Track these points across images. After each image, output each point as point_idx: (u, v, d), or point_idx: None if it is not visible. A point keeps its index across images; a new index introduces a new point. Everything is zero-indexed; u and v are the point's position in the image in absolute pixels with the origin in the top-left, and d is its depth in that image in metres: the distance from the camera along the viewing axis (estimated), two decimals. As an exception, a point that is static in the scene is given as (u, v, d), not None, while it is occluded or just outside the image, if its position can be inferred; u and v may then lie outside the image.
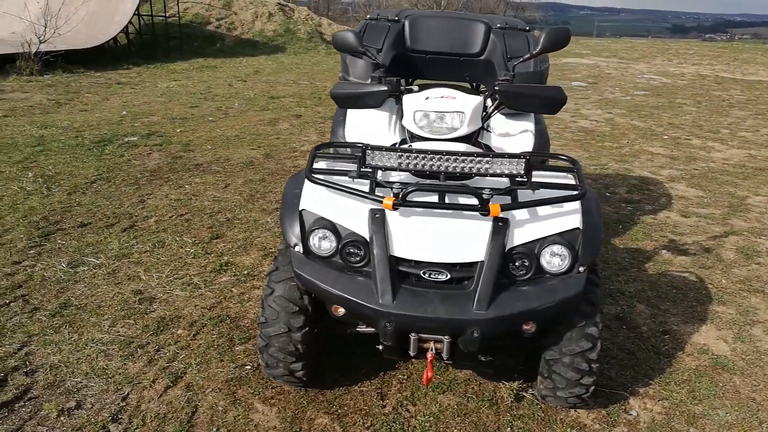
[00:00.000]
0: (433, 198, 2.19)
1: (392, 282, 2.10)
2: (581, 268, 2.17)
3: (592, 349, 2.29)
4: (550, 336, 2.33)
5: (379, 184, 2.23)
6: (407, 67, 3.79)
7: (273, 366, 2.45)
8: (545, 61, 3.53)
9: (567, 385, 2.35)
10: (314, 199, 2.31)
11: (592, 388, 2.38)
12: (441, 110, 2.40)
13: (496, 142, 3.42)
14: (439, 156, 2.15)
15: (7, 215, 4.34)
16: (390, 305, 2.07)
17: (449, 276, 2.13)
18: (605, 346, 3.03)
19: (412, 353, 2.17)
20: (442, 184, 2.17)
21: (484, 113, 2.60)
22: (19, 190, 4.82)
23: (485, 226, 2.15)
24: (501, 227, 2.14)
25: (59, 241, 3.97)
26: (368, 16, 3.86)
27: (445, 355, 2.15)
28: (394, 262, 2.15)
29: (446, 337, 2.12)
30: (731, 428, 2.52)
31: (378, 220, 2.17)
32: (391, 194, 2.13)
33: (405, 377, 2.76)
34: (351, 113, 3.53)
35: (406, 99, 2.49)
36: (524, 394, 2.64)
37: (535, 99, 2.51)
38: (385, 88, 2.62)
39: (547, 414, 2.55)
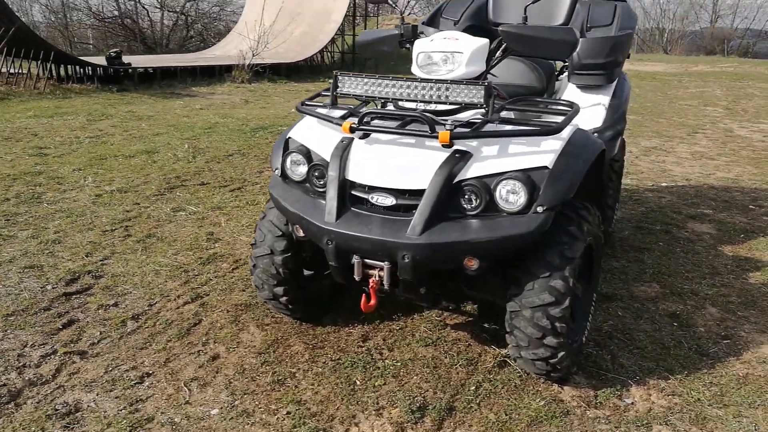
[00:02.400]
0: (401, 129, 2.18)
1: (339, 203, 2.14)
2: (539, 209, 1.98)
3: (554, 304, 2.05)
4: (513, 286, 2.14)
5: (353, 114, 2.29)
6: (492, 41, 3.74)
7: (260, 288, 2.61)
8: (627, 27, 3.24)
9: (529, 344, 2.13)
10: (301, 129, 2.45)
11: (561, 353, 2.12)
12: (439, 50, 2.37)
13: None
14: (401, 83, 2.15)
15: (152, 172, 5.17)
16: (332, 223, 2.11)
17: (395, 201, 2.09)
18: (635, 336, 2.65)
19: (356, 278, 2.17)
20: (398, 111, 2.16)
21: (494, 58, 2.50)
22: (172, 156, 5.70)
23: (441, 156, 2.08)
24: (455, 158, 2.05)
25: (177, 193, 4.62)
26: (454, -11, 3.89)
27: (385, 283, 2.11)
28: (349, 186, 2.18)
29: (385, 262, 2.08)
30: (748, 439, 2.04)
31: (342, 146, 2.23)
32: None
33: (397, 329, 2.72)
34: None
35: (416, 43, 2.50)
36: (510, 362, 2.43)
37: (542, 42, 2.36)
38: (397, 32, 2.68)
39: (525, 383, 2.32)
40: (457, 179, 2.03)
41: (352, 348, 2.56)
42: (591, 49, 3.05)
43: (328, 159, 2.26)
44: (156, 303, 2.95)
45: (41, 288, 3.07)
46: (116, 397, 2.27)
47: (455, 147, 2.07)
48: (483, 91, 2.03)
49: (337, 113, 2.32)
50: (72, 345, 2.59)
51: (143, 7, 20.58)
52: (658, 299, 3.02)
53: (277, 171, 2.42)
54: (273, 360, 2.48)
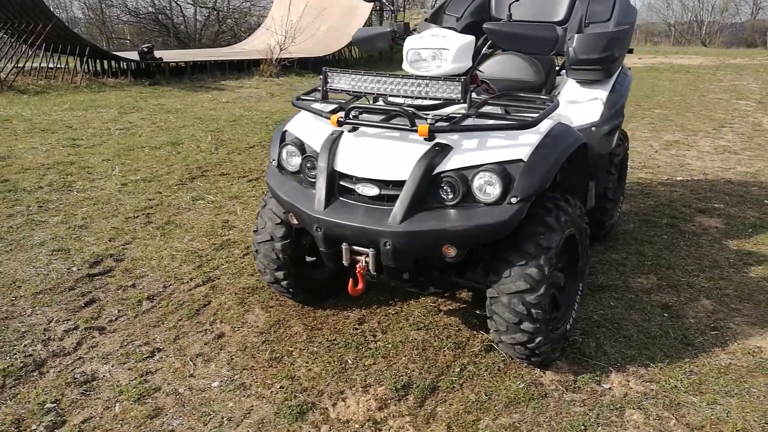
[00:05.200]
0: (385, 122, 2.31)
1: (328, 192, 2.28)
2: (513, 200, 2.08)
3: (530, 291, 2.16)
4: (492, 274, 2.25)
5: (342, 108, 2.42)
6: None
7: (263, 272, 2.78)
8: (624, 23, 3.30)
9: (507, 329, 2.25)
10: (296, 122, 2.60)
11: (538, 338, 2.23)
12: (426, 47, 2.50)
13: (561, 108, 3.31)
14: (385, 80, 2.28)
15: (176, 163, 5.40)
16: (321, 212, 2.26)
17: (379, 192, 2.22)
18: (623, 326, 2.73)
19: (345, 263, 2.31)
20: (381, 106, 2.29)
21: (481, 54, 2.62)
22: (195, 148, 5.93)
23: (422, 149, 2.19)
24: (434, 151, 2.17)
25: (198, 183, 4.84)
26: (457, -14, 3.98)
27: (371, 268, 2.25)
28: (337, 176, 2.32)
29: (370, 249, 2.22)
30: (718, 423, 2.12)
31: (331, 138, 2.36)
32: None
33: (393, 313, 2.86)
34: None
35: (407, 40, 2.63)
36: (495, 347, 2.55)
37: (523, 38, 2.47)
38: (388, 29, 2.81)
39: (508, 367, 2.44)
40: (436, 171, 2.15)
41: (348, 330, 2.71)
42: (587, 45, 3.12)
43: (319, 151, 2.40)
44: (170, 285, 3.15)
45: (67, 269, 3.30)
46: (129, 369, 2.46)
47: (436, 140, 2.19)
48: (460, 87, 2.14)
49: (329, 107, 2.45)
50: (92, 321, 2.80)
51: (177, 4, 21.03)
52: (652, 290, 3.08)
53: (274, 162, 2.58)
54: (273, 339, 2.65)
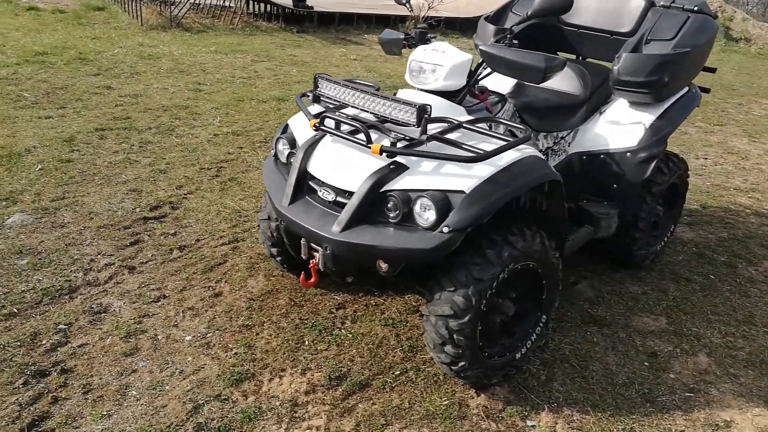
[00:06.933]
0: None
1: (296, 189, 2.46)
2: (445, 229, 2.11)
3: (453, 317, 2.20)
4: (428, 293, 2.32)
5: (326, 112, 2.56)
6: (557, 41, 3.64)
7: (263, 244, 3.06)
8: (686, 45, 3.01)
9: (434, 347, 2.32)
10: (298, 118, 2.78)
11: (462, 363, 2.29)
12: (423, 61, 2.55)
13: (600, 127, 3.19)
14: (361, 95, 2.38)
15: (272, 119, 5.84)
16: (285, 207, 2.45)
17: (335, 198, 2.36)
18: (590, 366, 2.65)
19: (303, 256, 2.50)
20: (353, 118, 2.38)
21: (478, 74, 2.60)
22: (297, 106, 6.33)
23: (377, 165, 2.28)
24: (389, 168, 2.25)
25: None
26: (528, -15, 3.82)
27: (321, 266, 2.42)
28: (308, 176, 2.48)
29: (321, 248, 2.38)
30: (618, 490, 2.05)
31: (311, 139, 2.53)
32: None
33: (373, 304, 3.01)
34: None
35: (413, 51, 2.68)
36: (447, 358, 2.62)
37: (511, 65, 2.43)
38: (401, 36, 2.87)
39: (445, 380, 2.51)
40: (384, 188, 2.23)
41: (324, 312, 2.92)
42: (632, 66, 2.91)
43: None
44: (203, 239, 3.57)
45: (132, 209, 3.85)
46: (134, 309, 2.91)
47: (395, 159, 2.26)
48: (416, 113, 2.18)
49: (319, 110, 2.60)
50: (128, 260, 3.30)
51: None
52: (651, 334, 2.90)
53: (272, 151, 2.80)
54: (257, 307, 2.95)
